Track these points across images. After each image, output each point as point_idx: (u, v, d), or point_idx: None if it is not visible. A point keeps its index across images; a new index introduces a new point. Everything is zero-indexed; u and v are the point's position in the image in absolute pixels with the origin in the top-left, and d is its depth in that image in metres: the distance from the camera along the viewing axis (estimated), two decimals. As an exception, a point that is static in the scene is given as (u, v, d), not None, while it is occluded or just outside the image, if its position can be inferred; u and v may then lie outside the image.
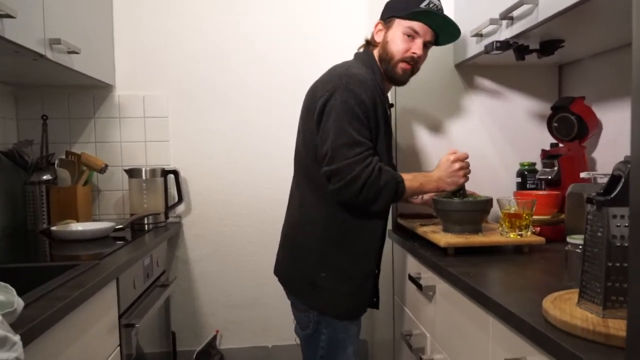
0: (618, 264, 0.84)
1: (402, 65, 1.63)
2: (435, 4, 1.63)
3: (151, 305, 1.87)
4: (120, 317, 1.60)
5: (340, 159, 1.45)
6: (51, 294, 1.22)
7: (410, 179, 1.55)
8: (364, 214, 1.55)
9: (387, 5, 1.70)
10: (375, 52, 1.67)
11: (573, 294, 0.98)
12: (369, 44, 1.71)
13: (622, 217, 0.84)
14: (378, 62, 1.66)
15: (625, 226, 0.84)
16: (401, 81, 1.68)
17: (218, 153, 2.53)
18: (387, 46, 1.63)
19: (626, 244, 0.83)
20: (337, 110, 1.47)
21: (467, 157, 1.62)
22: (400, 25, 1.62)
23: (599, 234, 0.87)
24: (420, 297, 1.66)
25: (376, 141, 1.56)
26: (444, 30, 1.66)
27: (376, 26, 1.69)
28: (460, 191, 1.64)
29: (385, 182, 1.48)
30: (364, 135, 1.48)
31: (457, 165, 1.59)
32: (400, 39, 1.62)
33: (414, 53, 1.62)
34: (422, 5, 1.59)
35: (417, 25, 1.61)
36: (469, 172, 1.62)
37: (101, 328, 1.44)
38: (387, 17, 1.66)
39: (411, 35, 1.61)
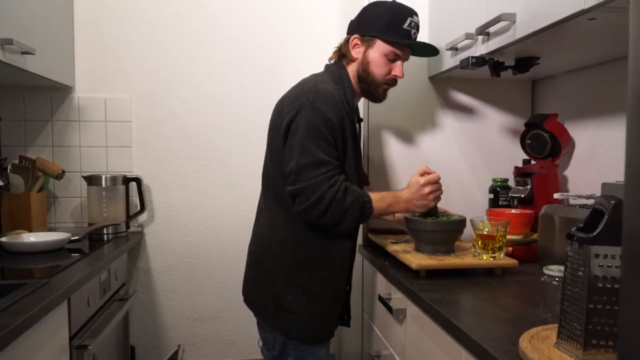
0: (600, 306, 0.80)
1: (384, 87, 1.61)
2: (415, 22, 1.59)
3: (108, 322, 1.76)
4: (71, 339, 1.49)
5: (304, 179, 1.39)
6: (-10, 320, 1.11)
7: (377, 199, 1.48)
8: (333, 232, 1.49)
9: (364, 20, 1.60)
10: (351, 67, 1.61)
11: (550, 331, 0.94)
12: (342, 56, 1.63)
13: (605, 256, 0.80)
14: (352, 78, 1.60)
15: (609, 266, 0.79)
16: (381, 100, 1.66)
17: (183, 160, 2.43)
18: (369, 67, 1.57)
19: (609, 285, 0.79)
20: (303, 129, 1.41)
21: (438, 179, 1.53)
22: (382, 47, 1.56)
23: (580, 273, 0.82)
24: (390, 318, 1.60)
25: (344, 159, 1.49)
26: (423, 49, 1.65)
27: (352, 41, 1.59)
28: (431, 212, 1.58)
29: (351, 203, 1.41)
30: (329, 154, 1.42)
31: (427, 189, 1.50)
32: (382, 61, 1.57)
33: (396, 75, 1.59)
34: (405, 26, 1.56)
35: (399, 49, 1.57)
36: (441, 193, 1.54)
37: (49, 353, 1.34)
38: (367, 35, 1.58)
39: (393, 59, 1.58)
